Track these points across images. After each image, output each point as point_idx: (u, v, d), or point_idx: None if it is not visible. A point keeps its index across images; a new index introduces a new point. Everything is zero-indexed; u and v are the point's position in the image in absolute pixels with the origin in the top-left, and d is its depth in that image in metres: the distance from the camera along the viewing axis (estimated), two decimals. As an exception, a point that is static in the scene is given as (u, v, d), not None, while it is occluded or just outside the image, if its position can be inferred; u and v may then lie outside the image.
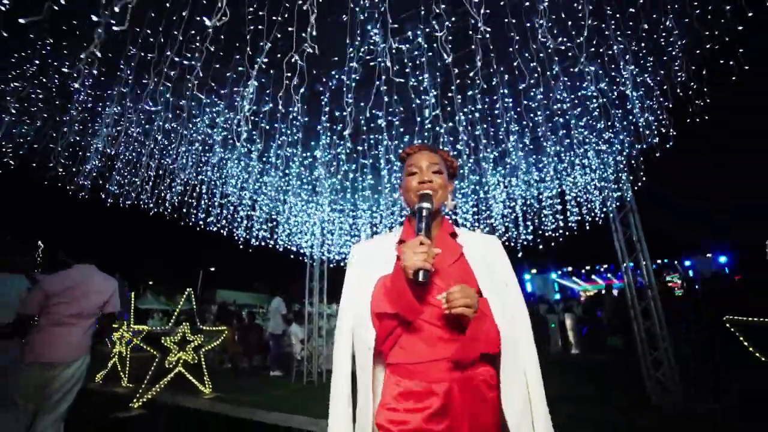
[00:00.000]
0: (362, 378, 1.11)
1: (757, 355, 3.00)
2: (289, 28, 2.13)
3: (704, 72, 2.98)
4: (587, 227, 6.49)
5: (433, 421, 1.03)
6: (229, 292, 28.46)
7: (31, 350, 2.65)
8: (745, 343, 3.12)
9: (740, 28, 2.63)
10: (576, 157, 5.35)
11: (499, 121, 4.04)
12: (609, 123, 4.08)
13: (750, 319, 3.13)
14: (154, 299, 22.94)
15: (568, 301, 12.82)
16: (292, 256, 7.76)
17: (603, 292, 12.48)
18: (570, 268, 24.02)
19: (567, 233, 6.78)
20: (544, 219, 6.92)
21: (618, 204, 5.69)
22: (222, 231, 6.57)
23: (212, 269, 30.88)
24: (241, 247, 6.74)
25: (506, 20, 2.61)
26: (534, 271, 24.46)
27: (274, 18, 2.18)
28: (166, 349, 5.39)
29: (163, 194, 5.72)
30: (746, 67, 2.59)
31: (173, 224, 6.29)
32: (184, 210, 5.84)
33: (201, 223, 6.11)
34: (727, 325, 3.37)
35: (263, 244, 7.25)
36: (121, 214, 5.96)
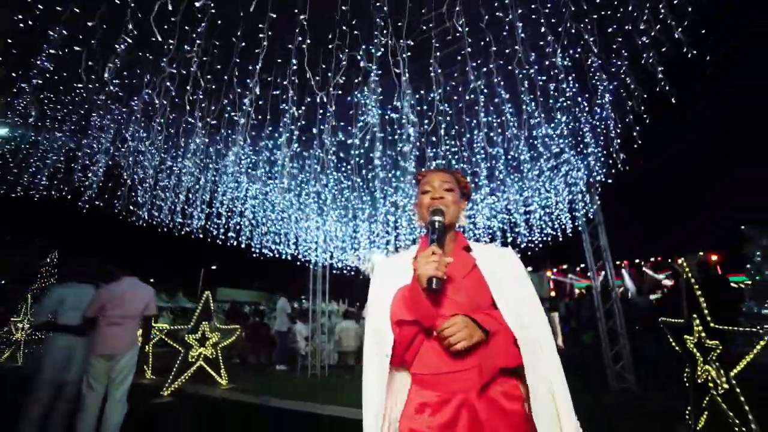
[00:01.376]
0: (382, 383, 1.16)
1: (677, 349, 3.75)
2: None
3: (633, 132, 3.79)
4: (570, 234, 7.37)
5: (446, 430, 1.04)
6: (230, 290, 29.02)
7: (96, 345, 3.38)
8: (670, 339, 3.87)
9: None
10: (552, 181, 6.25)
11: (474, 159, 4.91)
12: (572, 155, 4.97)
13: (676, 321, 3.89)
14: (157, 298, 23.38)
15: (554, 300, 13.63)
16: (298, 263, 8.56)
17: (584, 291, 13.27)
18: (565, 266, 24.82)
19: (559, 237, 7.63)
20: (537, 226, 7.76)
21: (586, 219, 6.49)
22: (239, 243, 7.40)
23: (213, 267, 31.54)
24: (254, 255, 7.53)
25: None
26: (529, 269, 25.34)
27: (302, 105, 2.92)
28: (188, 345, 6.11)
29: (179, 210, 6.53)
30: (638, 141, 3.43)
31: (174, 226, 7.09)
32: (207, 226, 6.64)
33: (222, 236, 6.96)
34: (661, 325, 4.14)
35: (274, 254, 8.08)
36: (122, 216, 6.64)
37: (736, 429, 2.76)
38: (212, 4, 2.05)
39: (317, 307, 8.38)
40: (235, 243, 7.40)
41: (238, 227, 7.31)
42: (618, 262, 21.64)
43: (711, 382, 3.11)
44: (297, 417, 5.00)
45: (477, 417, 1.04)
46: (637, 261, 21.58)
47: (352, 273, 9.66)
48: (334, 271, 8.74)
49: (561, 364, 1.12)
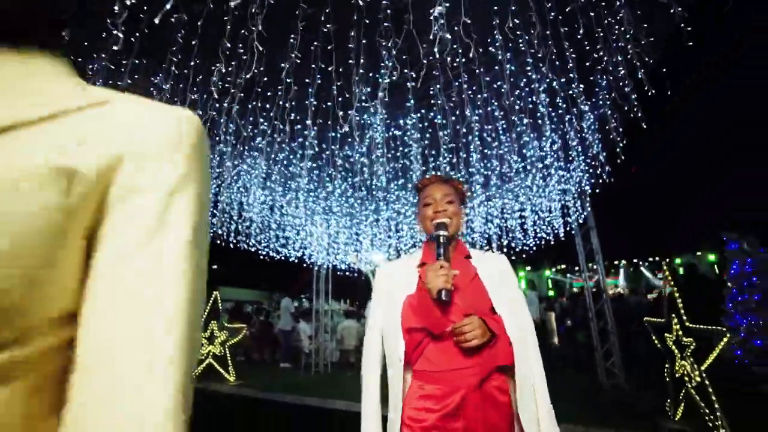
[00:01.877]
0: (394, 385, 1.26)
1: (659, 346, 4.04)
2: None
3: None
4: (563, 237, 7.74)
5: (449, 419, 1.16)
6: (231, 290, 29.18)
7: None
8: (654, 338, 4.15)
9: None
10: (546, 188, 6.63)
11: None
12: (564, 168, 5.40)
13: (658, 320, 4.17)
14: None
15: (550, 300, 13.91)
16: (305, 265, 8.90)
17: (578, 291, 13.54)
18: (563, 266, 25.04)
19: (551, 241, 7.99)
20: (531, 230, 8.13)
21: (578, 223, 6.80)
22: (248, 246, 7.77)
23: (214, 267, 31.76)
24: (261, 257, 7.85)
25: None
26: (528, 268, 25.58)
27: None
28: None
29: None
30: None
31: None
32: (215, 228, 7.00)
33: (234, 240, 7.35)
34: (645, 325, 4.42)
35: (280, 256, 8.43)
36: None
37: (707, 418, 3.04)
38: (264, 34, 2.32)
39: (320, 306, 8.67)
40: (245, 246, 7.76)
41: (247, 231, 7.66)
42: (616, 262, 21.86)
43: (686, 376, 3.40)
44: (301, 410, 5.29)
45: (475, 407, 1.16)
46: (635, 261, 21.85)
47: (355, 274, 9.96)
48: (338, 273, 9.05)
49: (542, 360, 1.28)
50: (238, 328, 7.26)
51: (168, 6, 2.11)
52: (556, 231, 7.60)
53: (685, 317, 3.51)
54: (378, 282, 1.40)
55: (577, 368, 7.92)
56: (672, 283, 3.74)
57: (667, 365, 3.90)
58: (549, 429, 1.19)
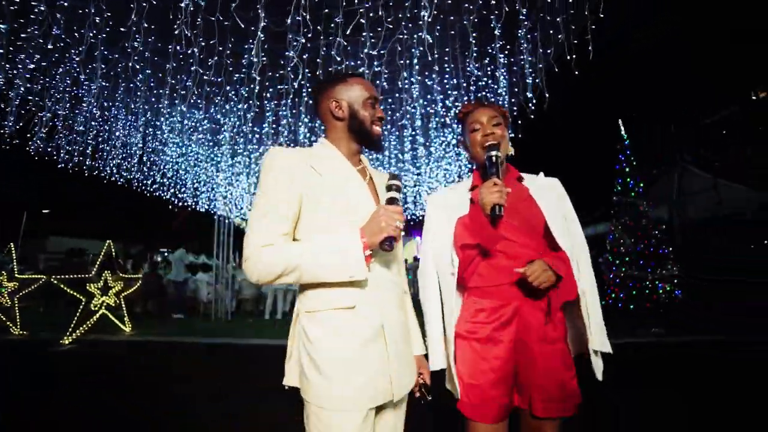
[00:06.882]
0: (447, 299, 1.34)
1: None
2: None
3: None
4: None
5: (501, 330, 1.23)
6: (68, 240, 24.19)
7: None
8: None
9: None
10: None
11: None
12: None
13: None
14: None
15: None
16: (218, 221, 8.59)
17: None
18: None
19: None
20: None
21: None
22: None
23: (45, 212, 25.31)
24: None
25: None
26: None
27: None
28: (90, 294, 5.87)
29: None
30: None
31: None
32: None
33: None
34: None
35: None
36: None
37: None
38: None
39: (221, 259, 8.76)
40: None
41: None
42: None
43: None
44: (227, 348, 5.69)
45: (527, 318, 1.23)
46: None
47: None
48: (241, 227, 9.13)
49: (594, 278, 1.32)
50: (135, 278, 6.87)
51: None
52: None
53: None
54: (429, 210, 1.44)
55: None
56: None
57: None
58: (600, 341, 1.24)
